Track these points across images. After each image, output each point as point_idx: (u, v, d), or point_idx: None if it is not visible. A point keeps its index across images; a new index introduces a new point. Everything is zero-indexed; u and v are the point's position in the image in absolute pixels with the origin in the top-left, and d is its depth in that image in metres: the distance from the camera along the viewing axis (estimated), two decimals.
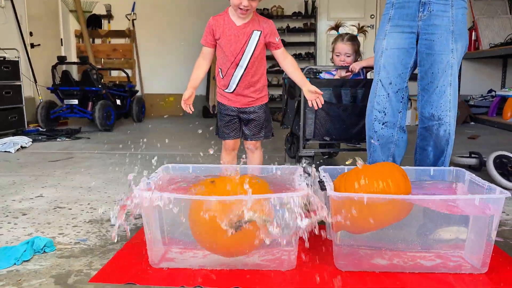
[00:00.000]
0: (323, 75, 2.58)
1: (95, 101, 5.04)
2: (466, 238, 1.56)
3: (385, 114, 2.06)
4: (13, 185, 2.60)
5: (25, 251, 1.55)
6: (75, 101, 4.97)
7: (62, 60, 5.15)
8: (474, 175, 1.66)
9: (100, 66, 6.79)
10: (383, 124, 2.07)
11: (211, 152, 1.83)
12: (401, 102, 2.08)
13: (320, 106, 1.96)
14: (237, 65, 1.97)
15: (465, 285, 1.40)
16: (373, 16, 6.74)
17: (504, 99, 5.59)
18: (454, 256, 1.59)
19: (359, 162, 1.57)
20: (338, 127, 2.43)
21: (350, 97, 2.39)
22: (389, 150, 2.12)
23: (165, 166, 1.83)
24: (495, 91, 6.11)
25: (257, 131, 2.09)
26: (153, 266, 1.51)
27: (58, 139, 4.30)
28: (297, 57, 6.62)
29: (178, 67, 6.82)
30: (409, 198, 1.45)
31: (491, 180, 2.57)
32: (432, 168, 1.79)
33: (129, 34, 6.74)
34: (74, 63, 5.80)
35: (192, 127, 5.55)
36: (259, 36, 1.96)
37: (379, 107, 2.07)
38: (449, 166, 3.08)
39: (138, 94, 6.58)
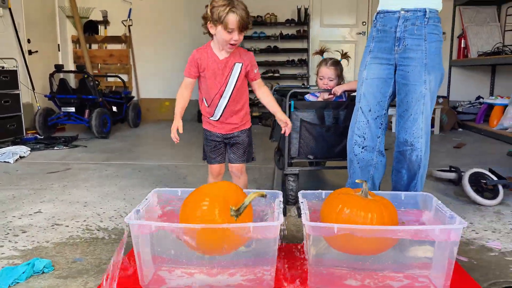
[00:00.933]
0: (308, 97, 2.72)
1: (92, 109, 5.16)
2: (433, 258, 1.70)
3: (364, 139, 2.20)
4: (13, 199, 2.73)
5: (23, 272, 1.69)
6: (72, 109, 5.10)
7: (59, 68, 5.27)
8: (439, 202, 1.79)
9: (96, 72, 6.92)
10: (362, 148, 2.21)
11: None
12: (379, 128, 2.22)
13: (288, 133, 2.14)
14: (221, 96, 2.09)
15: None
16: (364, 23, 6.87)
17: (491, 106, 5.74)
18: (421, 276, 1.74)
19: None
20: (321, 146, 2.57)
21: (332, 118, 2.52)
22: (368, 172, 2.26)
23: (156, 190, 1.96)
24: (482, 98, 6.26)
25: (241, 154, 2.22)
26: (144, 287, 1.65)
27: (55, 148, 4.42)
28: (290, 63, 6.75)
29: (173, 72, 6.93)
30: (379, 228, 1.59)
31: (467, 195, 2.72)
32: (403, 193, 1.93)
33: (125, 39, 6.85)
34: (71, 71, 5.91)
35: (186, 133, 5.68)
36: (241, 68, 2.08)
37: (359, 132, 2.20)
38: (431, 178, 3.24)
39: (135, 99, 6.71)
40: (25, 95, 5.38)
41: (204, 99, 2.18)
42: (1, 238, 2.10)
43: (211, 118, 2.18)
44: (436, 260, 1.67)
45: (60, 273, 1.75)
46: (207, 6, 1.95)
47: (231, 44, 1.99)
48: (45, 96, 5.27)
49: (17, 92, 4.85)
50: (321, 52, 2.75)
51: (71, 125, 5.66)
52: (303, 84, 6.69)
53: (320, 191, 1.97)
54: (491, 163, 3.88)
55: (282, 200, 1.80)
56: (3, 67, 4.69)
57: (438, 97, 5.80)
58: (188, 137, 5.42)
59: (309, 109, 2.55)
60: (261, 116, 6.58)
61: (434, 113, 5.66)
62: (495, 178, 2.76)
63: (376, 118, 2.20)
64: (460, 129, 6.01)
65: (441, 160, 4.05)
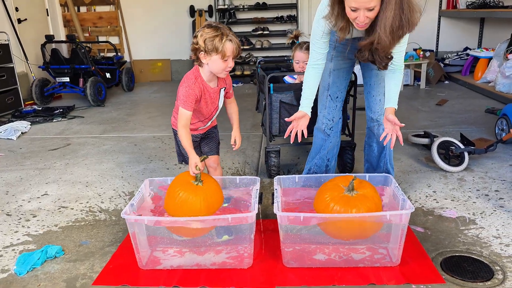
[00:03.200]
0: (287, 79, 2.89)
1: (86, 77, 5.31)
2: (391, 232, 1.97)
3: (333, 122, 2.42)
4: (20, 181, 2.99)
5: (38, 258, 1.98)
6: (67, 79, 5.24)
7: (50, 39, 5.36)
8: (396, 185, 2.04)
9: (87, 35, 6.95)
10: (330, 129, 2.44)
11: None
12: (341, 110, 2.44)
13: (235, 148, 2.28)
14: (210, 119, 2.25)
15: (379, 276, 1.83)
16: None
17: (477, 59, 5.85)
18: (382, 247, 2.02)
19: None
20: None
21: None
22: (333, 150, 2.52)
23: (149, 179, 2.20)
24: (470, 49, 6.34)
25: (215, 147, 2.38)
26: (142, 268, 1.94)
27: (54, 120, 4.63)
28: (279, 20, 6.76)
29: (164, 32, 6.98)
30: (340, 216, 1.85)
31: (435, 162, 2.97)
32: (367, 174, 2.18)
33: (113, 1, 6.81)
34: (62, 41, 5.97)
35: None
36: (224, 91, 2.22)
37: (329, 116, 2.42)
38: (407, 143, 3.47)
39: (127, 62, 6.80)
40: (19, 65, 5.48)
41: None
42: (15, 224, 2.37)
43: (196, 134, 2.28)
44: (393, 235, 1.95)
45: (70, 256, 2.04)
46: (195, 37, 1.99)
47: (227, 71, 2.06)
48: (39, 67, 5.39)
49: (11, 65, 4.98)
50: (295, 37, 2.89)
51: (68, 93, 5.81)
52: (292, 43, 6.73)
53: (294, 175, 2.22)
54: (468, 123, 4.12)
55: (258, 188, 2.05)
56: None
57: (425, 51, 5.91)
58: None
59: (287, 91, 2.73)
60: (252, 74, 6.70)
61: (420, 67, 5.80)
62: (461, 146, 2.99)
63: (341, 102, 2.42)
64: (447, 82, 6.17)
65: (421, 120, 4.27)
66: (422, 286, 1.75)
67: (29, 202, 2.65)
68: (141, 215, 2.00)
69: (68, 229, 2.30)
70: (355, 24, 1.92)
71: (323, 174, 2.31)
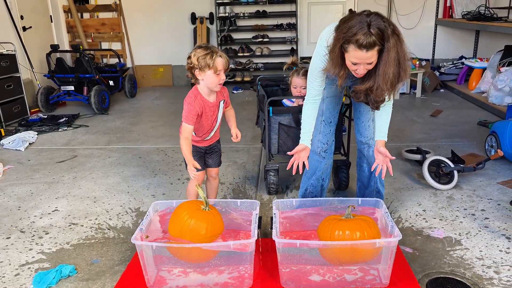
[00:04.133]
0: (285, 102, 3.03)
1: (90, 85, 5.45)
2: (382, 254, 2.12)
3: (327, 145, 2.57)
4: (31, 196, 3.14)
5: (54, 278, 2.13)
6: (71, 87, 5.38)
7: (55, 48, 5.49)
8: (386, 211, 2.19)
9: (90, 41, 7.07)
10: (325, 152, 2.59)
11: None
12: (334, 134, 2.60)
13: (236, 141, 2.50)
14: (212, 129, 2.47)
15: None
16: None
17: (471, 69, 5.99)
18: (373, 268, 2.18)
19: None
20: (297, 144, 2.94)
21: None
22: (327, 171, 2.67)
23: (154, 203, 2.35)
24: (465, 58, 6.48)
25: (218, 160, 2.62)
26: None
27: (60, 129, 4.77)
28: (279, 27, 6.89)
29: (166, 39, 7.11)
30: (332, 244, 2.00)
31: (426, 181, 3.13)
32: (360, 199, 2.33)
33: (115, 7, 6.93)
34: (67, 51, 6.10)
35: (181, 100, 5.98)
36: (223, 103, 2.45)
37: (324, 140, 2.57)
38: (400, 158, 3.62)
39: (129, 67, 6.94)
40: (24, 72, 5.60)
41: (194, 133, 2.46)
42: (29, 241, 2.53)
43: (199, 146, 2.52)
44: (384, 257, 2.10)
45: (82, 275, 2.19)
46: (189, 58, 2.25)
47: (220, 84, 2.32)
48: (44, 75, 5.53)
49: (18, 75, 5.11)
50: (292, 64, 3.03)
51: (72, 101, 5.94)
52: (292, 50, 6.86)
53: (291, 199, 2.37)
54: (461, 136, 4.27)
55: (258, 213, 2.20)
56: (1, 53, 4.91)
57: (421, 60, 6.05)
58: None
59: (286, 113, 2.88)
60: (253, 80, 6.84)
61: (416, 76, 5.94)
62: (451, 165, 3.14)
63: (334, 126, 2.58)
64: (442, 90, 6.31)
65: (416, 133, 4.42)
66: None
67: (41, 218, 2.81)
68: (148, 236, 2.16)
69: (79, 247, 2.45)
70: (353, 73, 2.07)
71: (319, 198, 2.46)
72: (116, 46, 7.09)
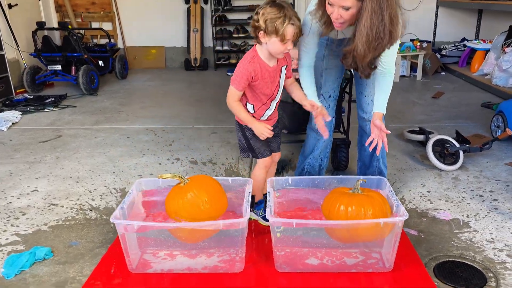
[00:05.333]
0: None
1: (78, 65, 5.21)
2: (384, 239, 1.95)
3: (326, 121, 2.38)
4: (10, 176, 2.94)
5: (27, 261, 1.94)
6: (59, 67, 5.15)
7: (41, 26, 5.24)
8: (391, 189, 2.01)
9: (80, 20, 6.81)
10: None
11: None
12: (333, 109, 2.41)
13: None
14: (273, 100, 2.13)
15: (371, 282, 1.82)
16: None
17: (474, 51, 5.80)
18: (375, 252, 2.01)
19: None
20: (294, 122, 2.75)
21: None
22: (326, 148, 2.49)
23: (138, 181, 2.16)
24: (467, 40, 6.29)
25: (279, 143, 2.30)
26: (132, 272, 1.91)
27: (46, 110, 4.55)
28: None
29: (158, 19, 6.85)
30: (331, 223, 1.82)
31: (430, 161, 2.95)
32: (361, 177, 2.14)
33: None
34: (53, 28, 5.85)
35: (175, 83, 5.78)
36: (285, 69, 2.10)
37: None
38: (402, 139, 3.45)
39: (120, 48, 6.69)
40: (10, 52, 5.37)
41: (250, 105, 2.11)
42: (4, 222, 2.33)
43: (260, 119, 2.17)
44: (387, 239, 1.93)
45: (59, 258, 2.01)
46: (257, 14, 1.90)
47: (285, 53, 1.99)
48: (30, 54, 5.29)
49: (2, 53, 4.88)
50: None
51: (60, 81, 5.72)
52: None
53: (287, 177, 2.19)
54: (464, 117, 4.09)
55: (250, 191, 2.02)
56: None
57: (422, 42, 5.85)
58: (178, 88, 5.54)
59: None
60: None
61: (417, 58, 5.74)
62: (457, 144, 2.97)
63: (334, 101, 2.39)
64: (443, 73, 6.12)
65: (417, 114, 4.24)
66: None
67: (18, 198, 2.61)
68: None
69: (58, 229, 2.27)
70: (333, 22, 1.88)
71: (317, 176, 2.28)
72: (106, 26, 6.84)
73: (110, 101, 5.00)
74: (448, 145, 2.98)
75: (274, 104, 2.15)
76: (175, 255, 2.01)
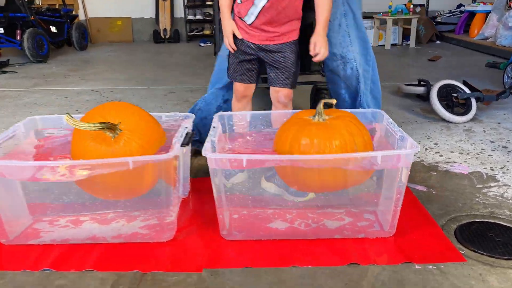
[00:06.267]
0: None
1: (24, 29, 4.52)
2: (383, 187, 1.34)
3: None
4: None
5: None
6: (0, 30, 4.45)
7: None
8: (391, 121, 1.40)
9: None
10: None
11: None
12: None
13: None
14: None
15: (364, 252, 1.20)
16: None
17: (472, 15, 5.24)
18: (368, 211, 1.40)
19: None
20: None
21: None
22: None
23: (31, 118, 1.53)
24: (464, 6, 5.72)
25: (284, 77, 1.57)
26: (6, 244, 1.28)
27: None
28: None
29: None
30: (299, 158, 1.19)
31: (435, 112, 2.35)
32: (353, 110, 1.52)
33: None
34: None
35: (140, 53, 5.11)
36: None
37: None
38: (398, 93, 2.86)
39: (82, 19, 6.01)
40: None
41: None
42: None
43: (243, 19, 1.55)
44: (385, 192, 1.32)
45: None
46: None
47: None
48: None
49: None
50: None
51: (7, 48, 5.01)
52: None
53: (244, 112, 1.56)
54: (467, 76, 3.49)
55: (188, 126, 1.39)
56: None
57: (415, 5, 5.27)
58: (142, 57, 4.88)
59: None
60: None
61: (409, 24, 5.16)
62: (467, 91, 2.37)
63: None
64: (438, 41, 5.54)
65: (414, 74, 3.64)
66: (430, 267, 1.13)
67: None
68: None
69: None
70: None
71: (285, 111, 1.64)
72: None
73: (59, 68, 4.31)
74: (455, 94, 2.38)
75: (261, 2, 1.47)
76: (83, 222, 1.38)
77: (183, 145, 1.25)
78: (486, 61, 3.96)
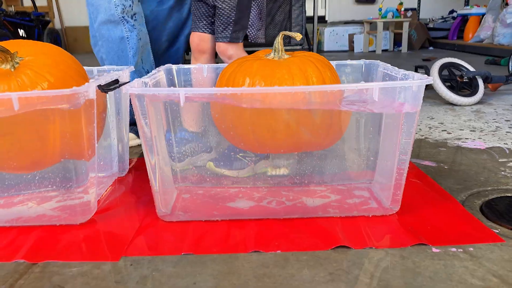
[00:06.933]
0: None
1: None
2: (379, 152, 1.00)
3: None
4: None
5: None
6: None
7: None
8: (388, 66, 1.07)
9: None
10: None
11: None
12: None
13: None
14: None
15: (358, 234, 0.84)
16: None
17: (465, 20, 5.01)
18: (360, 188, 1.04)
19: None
20: None
21: None
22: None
23: None
24: (456, 11, 5.51)
25: (223, 27, 1.25)
26: None
27: None
28: None
29: None
30: (256, 90, 0.84)
31: (437, 94, 2.02)
32: (335, 62, 1.19)
33: None
34: None
35: None
36: None
37: None
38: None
39: (50, 21, 5.70)
40: None
41: None
42: None
43: None
44: (382, 157, 0.98)
45: None
46: None
47: None
48: None
49: None
50: None
51: None
52: None
53: (199, 65, 1.22)
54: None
55: (122, 78, 1.04)
56: None
57: (406, 10, 5.06)
58: None
59: None
60: None
61: (401, 27, 4.92)
62: (471, 69, 2.06)
63: None
64: (431, 47, 5.30)
65: (409, 68, 3.34)
66: (453, 249, 0.77)
67: None
68: None
69: None
70: None
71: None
72: (40, 2, 5.84)
73: None
74: (459, 72, 2.07)
75: None
76: None
77: (101, 87, 0.89)
78: (485, 59, 3.69)
